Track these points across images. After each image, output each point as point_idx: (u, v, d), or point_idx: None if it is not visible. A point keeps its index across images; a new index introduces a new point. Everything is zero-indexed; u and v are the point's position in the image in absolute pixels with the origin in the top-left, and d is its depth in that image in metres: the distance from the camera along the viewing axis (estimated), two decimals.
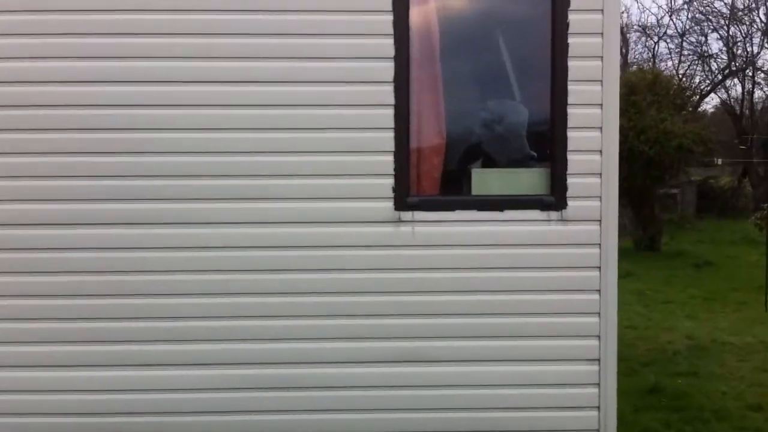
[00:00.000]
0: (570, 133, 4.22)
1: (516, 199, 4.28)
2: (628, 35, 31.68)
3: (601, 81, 4.20)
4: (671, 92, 18.73)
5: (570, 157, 4.23)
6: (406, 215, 4.25)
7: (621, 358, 8.28)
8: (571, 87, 4.20)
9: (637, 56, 32.57)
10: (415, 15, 4.29)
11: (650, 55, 32.56)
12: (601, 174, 4.22)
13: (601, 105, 4.20)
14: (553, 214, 4.25)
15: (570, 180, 4.24)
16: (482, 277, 4.25)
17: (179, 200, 4.20)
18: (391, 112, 4.22)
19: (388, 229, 4.24)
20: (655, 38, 32.24)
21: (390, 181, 4.24)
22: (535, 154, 4.44)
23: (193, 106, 4.20)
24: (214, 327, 4.24)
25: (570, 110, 4.22)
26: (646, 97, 18.10)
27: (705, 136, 18.45)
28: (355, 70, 4.21)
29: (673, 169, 18.40)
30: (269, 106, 4.21)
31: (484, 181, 4.37)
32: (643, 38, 35.79)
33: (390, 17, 4.19)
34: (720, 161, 23.96)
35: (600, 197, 4.22)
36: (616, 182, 4.24)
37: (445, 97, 4.42)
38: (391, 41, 4.20)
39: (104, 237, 4.20)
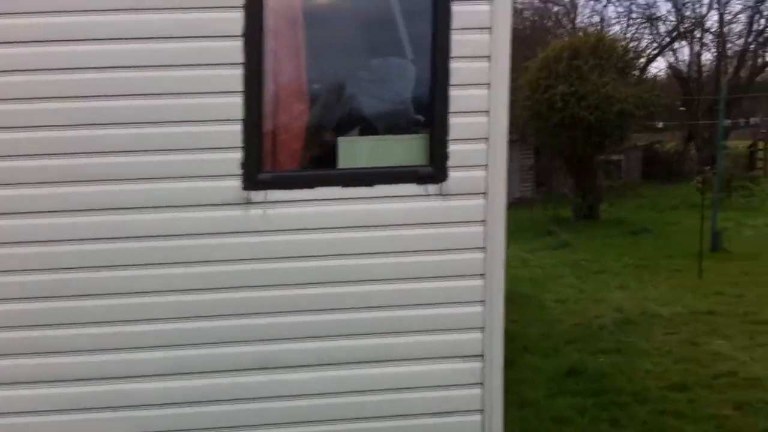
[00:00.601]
0: (452, 92, 3.58)
1: (387, 172, 3.62)
2: None
3: (490, 28, 3.55)
4: (614, 56, 18.14)
5: (452, 120, 3.59)
6: (257, 195, 3.56)
7: (546, 336, 8.01)
8: (454, 36, 3.55)
9: (585, 21, 32.05)
10: None
11: (599, 19, 32.09)
12: (487, 139, 3.60)
13: (489, 57, 3.57)
14: (432, 188, 3.61)
15: (452, 147, 3.61)
16: (348, 266, 3.61)
17: None
18: (239, 71, 3.52)
19: (235, 212, 3.56)
20: (603, 1, 31.80)
21: (237, 155, 3.55)
22: (421, 118, 3.79)
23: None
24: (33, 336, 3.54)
25: (453, 64, 3.57)
26: (588, 61, 17.52)
27: (647, 99, 18.01)
28: (193, 23, 3.48)
29: (615, 135, 17.93)
30: (83, 69, 3.45)
31: (353, 152, 3.71)
32: (591, 2, 35.35)
33: None
34: (661, 125, 23.54)
35: (486, 166, 3.60)
36: (505, 149, 3.62)
37: (310, 53, 3.74)
38: None
39: None
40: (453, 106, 3.58)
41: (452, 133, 3.59)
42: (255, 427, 3.60)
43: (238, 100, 3.50)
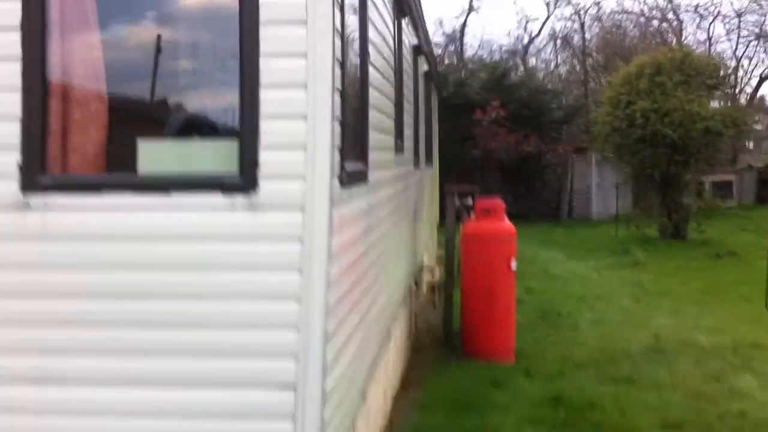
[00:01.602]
0: (263, 93, 3.17)
1: (189, 179, 3.20)
2: (680, 16, 29.89)
3: (305, 21, 3.14)
4: (705, 72, 17.09)
5: (263, 124, 3.17)
6: (36, 200, 3.15)
7: (558, 359, 7.23)
8: (263, 31, 3.14)
9: (689, 38, 30.43)
10: None
11: (705, 36, 30.38)
12: (305, 146, 3.18)
13: (306, 54, 3.15)
14: (240, 199, 3.19)
15: (263, 155, 3.19)
16: (139, 282, 3.19)
17: None
18: (17, 67, 3.10)
19: (12, 217, 3.14)
20: (710, 18, 30.23)
21: (15, 156, 3.13)
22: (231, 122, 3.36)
23: None
24: None
25: (263, 61, 3.15)
26: (672, 78, 16.66)
27: (737, 118, 17.13)
28: None
29: (702, 154, 16.96)
30: None
31: (156, 156, 3.29)
32: (697, 19, 33.38)
33: None
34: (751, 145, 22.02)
35: (303, 177, 3.18)
36: (327, 157, 3.20)
37: (108, 45, 3.31)
38: None
39: None
40: (265, 108, 3.16)
41: (263, 139, 3.18)
42: None
43: (14, 97, 3.10)
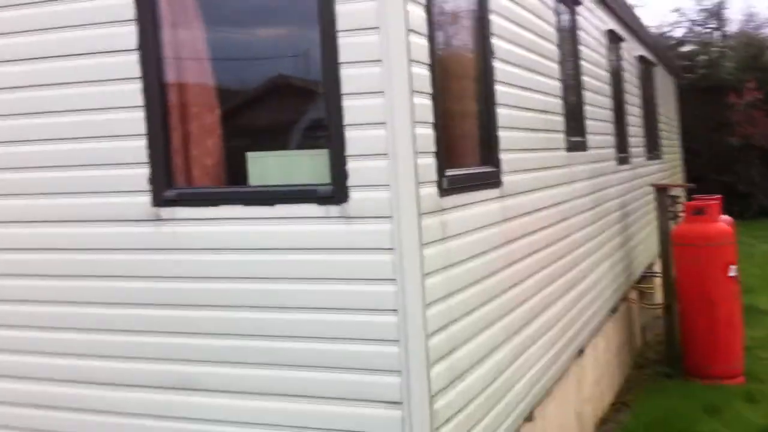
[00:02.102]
0: (345, 101, 3.15)
1: (288, 191, 3.29)
2: None
3: (377, 27, 3.07)
4: None
5: (348, 133, 3.16)
6: (166, 212, 3.42)
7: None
8: (340, 39, 3.13)
9: None
10: None
11: None
12: (387, 154, 3.11)
13: (380, 60, 3.08)
14: (333, 209, 3.20)
15: (351, 164, 3.17)
16: (249, 290, 3.35)
17: None
18: (137, 86, 3.41)
19: (147, 229, 3.45)
20: None
21: (145, 171, 3.44)
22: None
23: None
24: None
25: (342, 69, 3.14)
26: None
27: None
28: (87, 39, 3.46)
29: None
30: None
31: (263, 167, 3.43)
32: None
33: None
34: None
35: (388, 186, 3.12)
36: (410, 164, 3.10)
37: (215, 62, 3.51)
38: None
39: None
40: (348, 117, 3.15)
41: (349, 148, 3.16)
42: None
43: (140, 115, 3.43)
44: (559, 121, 5.64)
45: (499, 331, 4.00)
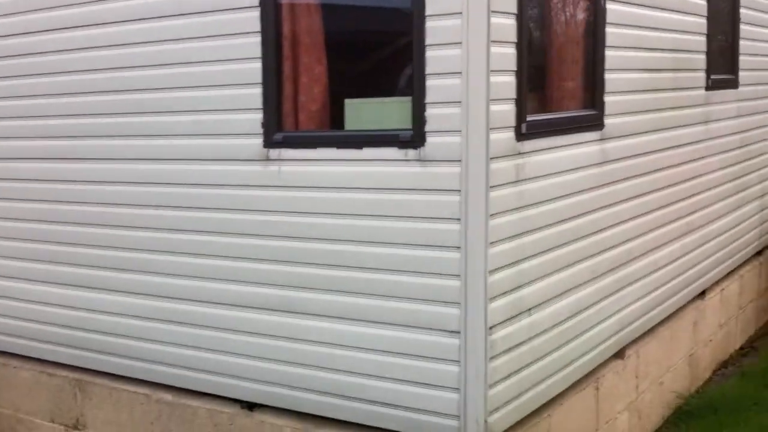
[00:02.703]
0: (429, 52, 3.37)
1: (373, 135, 3.61)
2: None
3: None
4: None
5: (429, 82, 3.39)
6: (274, 153, 3.88)
7: None
8: None
9: None
10: None
11: None
12: (460, 102, 3.32)
13: (460, 13, 3.25)
14: (411, 153, 3.48)
15: (429, 111, 3.41)
16: (338, 225, 3.73)
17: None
18: (257, 39, 3.83)
19: (257, 167, 3.93)
20: None
21: (259, 116, 3.88)
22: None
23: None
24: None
25: (428, 23, 3.35)
26: None
27: None
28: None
29: None
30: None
31: (358, 113, 3.77)
32: None
33: None
34: None
35: (459, 132, 3.34)
36: (484, 112, 3.29)
37: (324, 15, 3.83)
38: None
39: None
40: (430, 67, 3.38)
41: (429, 96, 3.40)
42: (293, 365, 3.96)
43: (257, 66, 3.85)
44: (697, 59, 5.44)
45: (582, 270, 4.16)
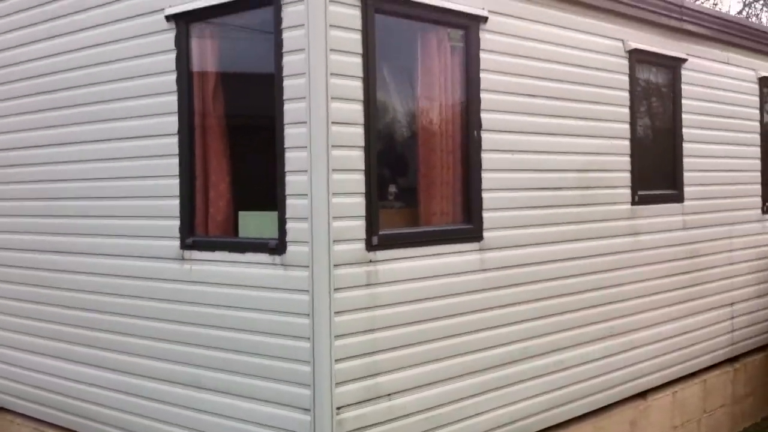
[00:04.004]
0: (288, 177, 4.19)
1: (252, 242, 4.44)
2: None
3: (308, 122, 4.06)
4: None
5: (288, 201, 4.19)
6: (187, 254, 4.73)
7: None
8: (287, 130, 4.18)
9: None
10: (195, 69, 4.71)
11: None
12: (309, 217, 4.08)
13: (308, 147, 4.06)
14: (277, 258, 4.26)
15: (289, 224, 4.20)
16: (226, 315, 4.51)
17: None
18: (175, 161, 4.77)
19: (175, 265, 4.79)
20: None
21: (177, 223, 4.78)
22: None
23: None
24: None
25: (287, 154, 4.19)
26: None
27: None
28: (143, 127, 4.91)
29: None
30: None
31: (246, 222, 4.61)
32: None
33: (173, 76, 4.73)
34: None
35: (307, 242, 4.08)
36: (326, 227, 4.02)
37: (228, 140, 4.73)
38: (174, 98, 4.72)
39: None
40: (288, 189, 4.19)
41: (288, 212, 4.19)
42: None
43: (175, 182, 4.79)
44: (618, 177, 5.98)
45: (458, 365, 4.70)
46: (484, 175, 4.93)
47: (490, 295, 4.97)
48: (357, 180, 4.21)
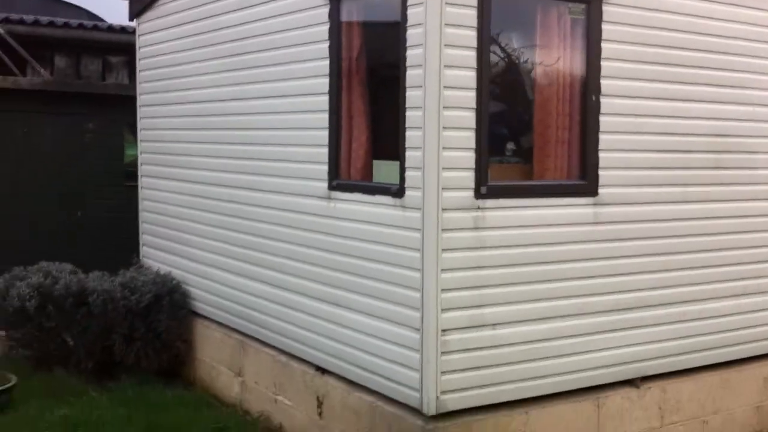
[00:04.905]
0: (408, 132, 4.90)
1: (381, 186, 5.22)
2: None
3: (423, 87, 4.72)
4: None
5: (407, 153, 4.92)
6: (334, 194, 5.64)
7: None
8: (408, 92, 4.88)
9: None
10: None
11: None
12: (422, 167, 4.77)
13: (423, 107, 4.73)
14: (398, 201, 5.02)
15: (407, 173, 4.94)
16: (359, 247, 5.36)
17: None
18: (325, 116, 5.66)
19: (323, 203, 5.71)
20: None
21: (326, 167, 5.68)
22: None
23: None
24: None
25: (408, 112, 4.88)
26: None
27: None
28: (303, 86, 5.83)
29: None
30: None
31: (379, 170, 5.42)
32: None
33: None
34: None
35: (420, 189, 4.80)
36: (436, 176, 4.71)
37: (367, 99, 5.52)
38: (327, 62, 5.59)
39: None
40: (408, 142, 4.92)
41: (407, 162, 4.92)
42: None
43: (325, 133, 5.68)
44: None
45: (562, 306, 5.25)
46: (602, 137, 5.33)
47: (602, 246, 5.42)
48: (467, 137, 4.84)
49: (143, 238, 8.58)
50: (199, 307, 7.52)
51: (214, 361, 7.36)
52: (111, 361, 7.43)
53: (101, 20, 12.58)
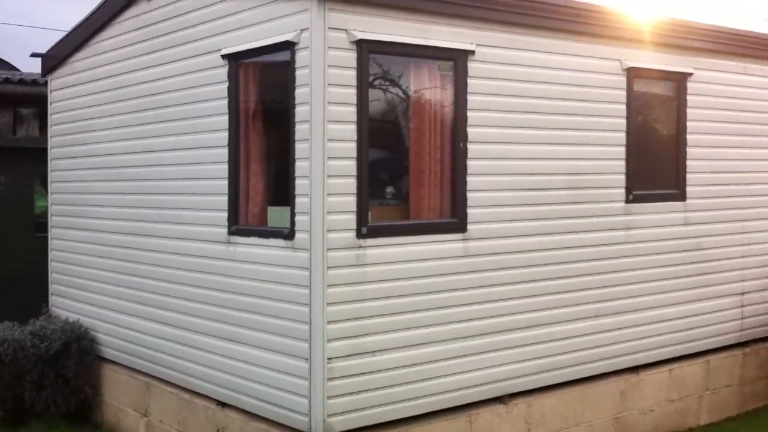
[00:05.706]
0: (297, 181, 5.49)
1: (273, 230, 5.77)
2: None
3: (309, 140, 5.34)
4: None
5: (296, 199, 5.51)
6: (233, 238, 6.16)
7: None
8: (297, 145, 5.49)
9: None
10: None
11: None
12: (309, 212, 5.37)
13: (309, 158, 5.34)
14: (289, 243, 5.58)
15: (297, 217, 5.52)
16: (254, 287, 5.89)
17: None
18: (224, 167, 6.20)
19: (222, 247, 6.24)
20: None
21: (225, 214, 6.22)
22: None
23: None
24: None
25: (297, 163, 5.49)
26: None
27: None
28: (204, 139, 6.37)
29: None
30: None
31: (272, 215, 5.98)
32: None
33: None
34: None
35: (308, 231, 5.39)
36: (321, 219, 5.30)
37: (262, 151, 6.10)
38: (226, 117, 6.16)
39: None
40: (297, 189, 5.51)
41: (297, 208, 5.51)
42: None
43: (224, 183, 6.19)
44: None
45: (436, 332, 5.87)
46: (470, 179, 6.04)
47: (472, 277, 6.09)
48: (349, 183, 5.46)
49: (53, 287, 8.85)
50: (107, 351, 7.83)
51: (121, 403, 7.66)
52: (22, 408, 7.65)
53: (12, 67, 12.72)
